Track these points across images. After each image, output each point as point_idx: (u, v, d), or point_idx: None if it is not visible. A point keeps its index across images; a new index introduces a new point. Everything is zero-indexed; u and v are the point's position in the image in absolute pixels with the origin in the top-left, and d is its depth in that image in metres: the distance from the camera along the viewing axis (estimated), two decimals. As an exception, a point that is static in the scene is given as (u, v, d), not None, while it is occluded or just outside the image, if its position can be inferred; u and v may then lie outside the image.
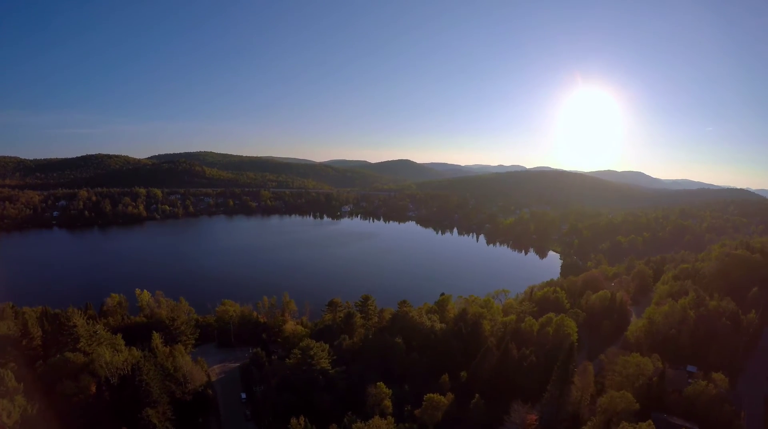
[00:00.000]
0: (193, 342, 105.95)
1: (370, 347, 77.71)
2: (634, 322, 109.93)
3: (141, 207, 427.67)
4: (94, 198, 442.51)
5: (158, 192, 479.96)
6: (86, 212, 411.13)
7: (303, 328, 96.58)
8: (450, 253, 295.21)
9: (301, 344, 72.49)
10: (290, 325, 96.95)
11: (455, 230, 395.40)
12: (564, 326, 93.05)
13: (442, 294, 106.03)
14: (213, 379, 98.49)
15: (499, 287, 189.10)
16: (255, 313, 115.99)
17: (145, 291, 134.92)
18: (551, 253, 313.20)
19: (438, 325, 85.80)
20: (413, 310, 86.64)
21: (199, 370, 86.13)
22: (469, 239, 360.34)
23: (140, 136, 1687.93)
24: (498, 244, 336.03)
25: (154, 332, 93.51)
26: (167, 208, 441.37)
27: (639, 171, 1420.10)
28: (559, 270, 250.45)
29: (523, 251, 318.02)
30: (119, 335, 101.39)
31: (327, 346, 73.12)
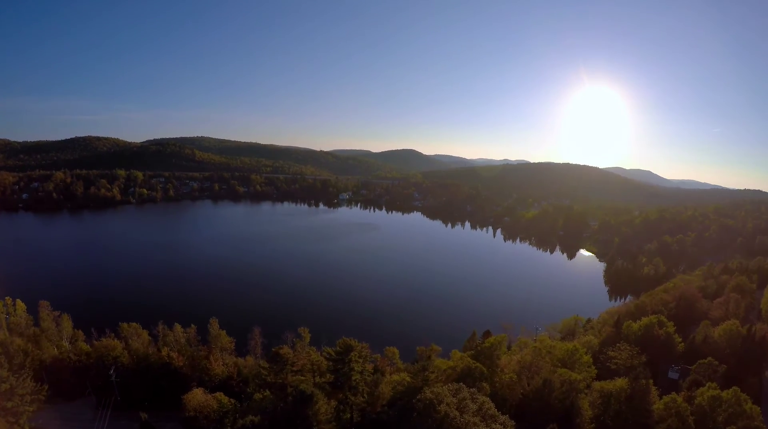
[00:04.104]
0: (32, 409, 59.04)
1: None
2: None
3: (115, 190, 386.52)
4: (68, 180, 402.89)
5: (139, 174, 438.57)
6: (54, 194, 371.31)
7: (224, 400, 49.67)
8: (465, 252, 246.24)
9: None
10: (198, 395, 50.00)
11: (467, 223, 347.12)
12: (738, 404, 45.39)
13: (487, 333, 59.37)
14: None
15: (542, 300, 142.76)
16: (166, 350, 68.85)
17: (18, 300, 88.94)
18: (582, 252, 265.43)
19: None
20: (442, 390, 38.54)
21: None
22: (483, 234, 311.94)
23: (143, 123, 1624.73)
24: (519, 240, 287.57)
25: None
26: (145, 191, 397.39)
27: (647, 170, 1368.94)
28: (601, 275, 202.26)
29: (549, 250, 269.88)
30: None
31: None
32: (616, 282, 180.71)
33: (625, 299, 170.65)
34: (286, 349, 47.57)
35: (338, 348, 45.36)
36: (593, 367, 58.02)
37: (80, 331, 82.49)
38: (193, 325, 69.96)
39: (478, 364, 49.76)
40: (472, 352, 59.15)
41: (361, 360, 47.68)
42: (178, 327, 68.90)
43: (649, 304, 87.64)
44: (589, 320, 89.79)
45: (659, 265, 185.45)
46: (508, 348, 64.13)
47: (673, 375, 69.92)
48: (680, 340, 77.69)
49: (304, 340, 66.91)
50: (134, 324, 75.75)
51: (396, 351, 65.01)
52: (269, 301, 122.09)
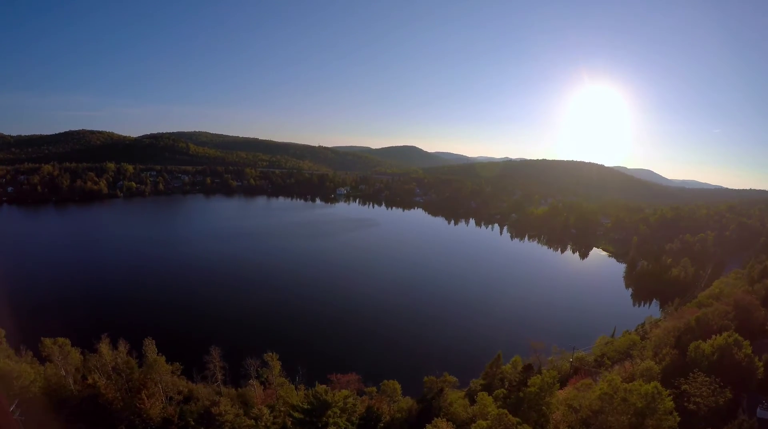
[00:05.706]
0: None
1: None
2: None
3: (102, 183, 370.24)
4: (56, 172, 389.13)
5: (129, 167, 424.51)
6: (39, 187, 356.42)
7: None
8: (471, 251, 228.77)
9: None
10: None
11: (471, 220, 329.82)
12: None
13: (528, 368, 42.93)
14: None
15: (562, 306, 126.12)
16: (92, 378, 51.97)
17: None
18: (597, 251, 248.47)
19: None
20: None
21: None
22: (489, 232, 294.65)
23: (141, 118, 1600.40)
24: (527, 238, 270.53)
25: None
26: (133, 185, 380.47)
27: (649, 169, 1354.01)
28: (621, 277, 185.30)
29: (560, 249, 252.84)
30: None
31: None
32: (640, 285, 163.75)
33: (650, 305, 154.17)
34: (223, 406, 30.75)
35: (308, 402, 28.68)
36: (675, 414, 41.28)
37: (7, 346, 65.52)
38: (123, 348, 52.88)
39: (525, 426, 33.00)
40: (506, 393, 42.28)
41: (345, 415, 30.83)
42: (103, 347, 51.83)
43: (712, 316, 71.03)
44: (642, 338, 72.73)
45: (687, 266, 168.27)
46: (561, 385, 47.13)
47: (763, 414, 53.12)
48: (761, 363, 60.90)
49: (273, 370, 50.25)
50: (61, 339, 58.65)
51: (398, 386, 48.20)
52: (241, 309, 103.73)
